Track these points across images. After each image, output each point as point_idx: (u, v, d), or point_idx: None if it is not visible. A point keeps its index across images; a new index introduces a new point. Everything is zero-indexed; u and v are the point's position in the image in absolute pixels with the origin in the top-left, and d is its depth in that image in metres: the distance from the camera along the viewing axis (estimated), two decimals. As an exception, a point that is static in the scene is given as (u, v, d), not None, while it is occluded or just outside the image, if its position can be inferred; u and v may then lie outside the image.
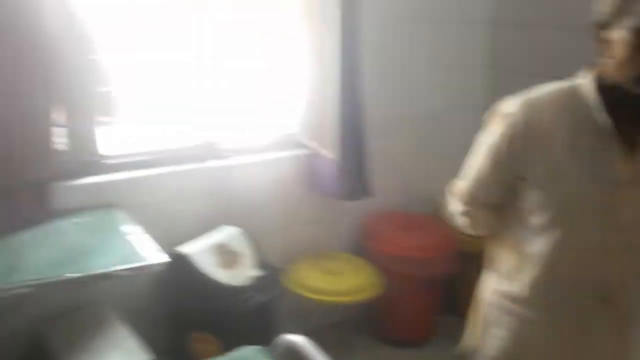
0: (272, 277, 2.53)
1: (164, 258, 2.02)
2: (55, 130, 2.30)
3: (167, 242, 2.35)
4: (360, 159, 2.76)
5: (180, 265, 2.32)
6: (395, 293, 2.78)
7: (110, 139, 2.51)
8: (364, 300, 2.68)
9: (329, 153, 2.69)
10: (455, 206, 1.53)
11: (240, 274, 2.39)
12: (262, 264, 2.54)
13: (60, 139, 2.35)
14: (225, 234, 2.51)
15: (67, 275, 1.87)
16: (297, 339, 1.59)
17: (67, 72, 2.29)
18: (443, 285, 2.96)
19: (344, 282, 2.67)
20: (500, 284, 1.46)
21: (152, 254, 2.03)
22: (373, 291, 2.69)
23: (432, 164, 3.04)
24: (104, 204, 2.38)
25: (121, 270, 1.93)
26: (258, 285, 2.39)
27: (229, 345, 1.99)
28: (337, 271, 2.74)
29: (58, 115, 2.31)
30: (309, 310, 2.72)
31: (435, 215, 2.86)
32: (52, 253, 2.00)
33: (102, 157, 2.48)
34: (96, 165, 2.45)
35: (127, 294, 2.37)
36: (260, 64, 2.80)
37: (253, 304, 2.33)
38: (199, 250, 2.38)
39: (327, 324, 2.80)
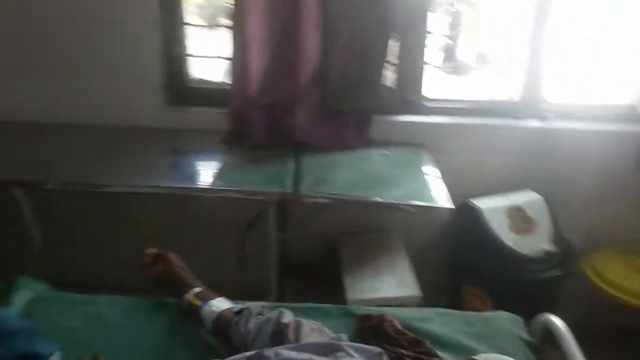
0: (565, 255, 2.32)
1: (450, 205, 2.04)
2: (387, 66, 2.49)
3: (463, 192, 2.39)
4: None
5: (470, 218, 2.32)
6: None
7: (435, 82, 2.58)
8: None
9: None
10: None
11: (531, 243, 2.26)
12: (558, 240, 2.34)
13: (389, 76, 2.53)
14: (525, 198, 2.38)
15: (361, 196, 2.07)
16: (558, 323, 1.45)
17: (405, 13, 2.42)
18: None
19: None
20: None
21: (441, 199, 2.08)
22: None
23: None
24: (414, 142, 2.50)
25: (406, 205, 2.04)
26: (547, 259, 2.23)
27: (498, 307, 1.94)
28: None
29: (391, 53, 2.49)
30: (599, 305, 2.43)
31: None
32: (356, 176, 2.22)
33: (424, 98, 2.58)
34: (416, 105, 2.57)
35: (416, 231, 2.49)
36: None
37: (536, 277, 2.20)
38: (492, 207, 2.33)
39: (615, 325, 2.47)
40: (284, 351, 1.18)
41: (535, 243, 2.27)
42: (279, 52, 2.38)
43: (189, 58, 2.58)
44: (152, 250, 1.60)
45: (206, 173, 2.23)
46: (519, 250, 2.23)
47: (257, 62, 2.38)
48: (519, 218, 2.30)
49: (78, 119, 2.50)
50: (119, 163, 2.23)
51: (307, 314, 1.47)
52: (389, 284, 2.16)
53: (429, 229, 2.52)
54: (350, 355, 1.20)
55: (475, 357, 1.07)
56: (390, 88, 2.57)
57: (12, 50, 2.46)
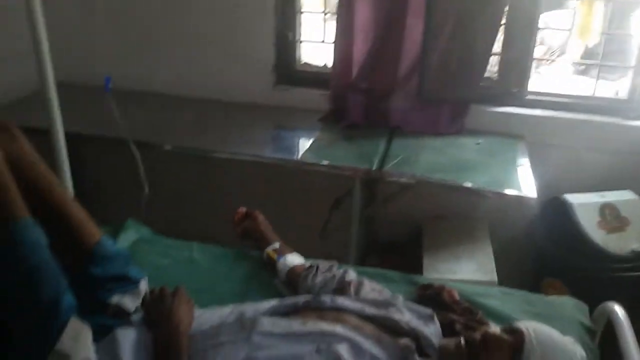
0: None
1: (534, 195, 2.04)
2: (491, 57, 2.48)
3: (558, 187, 2.37)
4: None
5: (560, 211, 2.28)
6: None
7: (540, 76, 2.55)
8: None
9: None
10: None
11: (621, 242, 2.18)
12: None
13: (493, 66, 2.53)
14: (621, 197, 2.29)
15: (443, 179, 2.12)
16: (619, 311, 1.44)
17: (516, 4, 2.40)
18: None
19: None
20: None
21: (526, 189, 2.08)
22: None
23: None
24: (511, 134, 2.49)
25: (487, 191, 2.06)
26: (635, 259, 2.15)
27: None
28: None
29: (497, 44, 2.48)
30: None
31: None
32: (443, 160, 2.28)
33: (525, 91, 2.55)
34: (518, 97, 2.54)
35: (504, 221, 2.48)
36: None
37: (621, 275, 2.12)
38: (584, 202, 2.27)
39: None
40: (339, 298, 1.29)
41: (625, 242, 2.19)
42: (382, 40, 2.48)
43: (299, 42, 2.76)
44: (243, 209, 1.78)
45: (301, 147, 2.38)
46: (607, 248, 2.17)
47: (359, 48, 2.50)
48: (611, 216, 2.23)
49: (195, 93, 2.80)
50: (226, 133, 2.48)
51: (372, 277, 1.56)
52: (467, 268, 2.19)
53: (517, 220, 2.49)
54: (400, 312, 1.29)
55: (517, 324, 1.11)
56: (490, 78, 2.58)
57: (147, 28, 2.80)
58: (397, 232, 2.68)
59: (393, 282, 1.62)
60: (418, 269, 2.23)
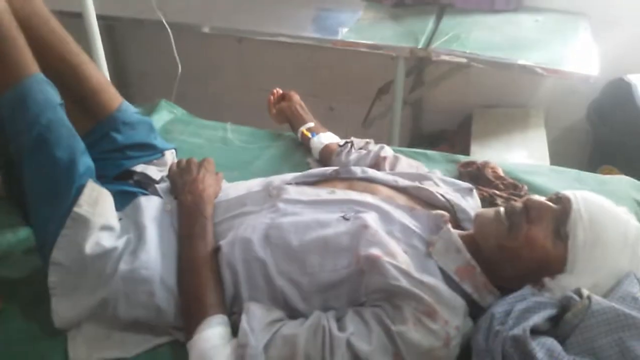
0: None
1: (594, 73, 1.86)
2: None
3: (623, 68, 2.16)
4: None
5: (622, 93, 2.10)
6: None
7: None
8: None
9: None
10: None
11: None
12: None
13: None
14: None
15: (495, 56, 1.95)
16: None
17: None
18: None
19: None
20: None
21: (589, 68, 1.90)
22: None
23: None
24: (572, 10, 2.26)
25: (544, 69, 1.89)
26: None
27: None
28: None
29: None
30: None
31: None
32: (496, 37, 2.09)
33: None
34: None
35: (562, 108, 2.31)
36: None
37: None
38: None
39: None
40: (371, 170, 1.21)
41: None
42: None
43: None
44: (279, 89, 1.69)
45: (343, 27, 2.23)
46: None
47: None
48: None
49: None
50: (264, 13, 2.34)
51: (411, 156, 1.48)
52: (518, 155, 2.06)
53: (575, 105, 2.31)
54: (436, 185, 1.20)
55: (564, 192, 1.01)
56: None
57: None
58: (446, 121, 2.55)
59: (434, 161, 1.53)
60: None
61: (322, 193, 1.12)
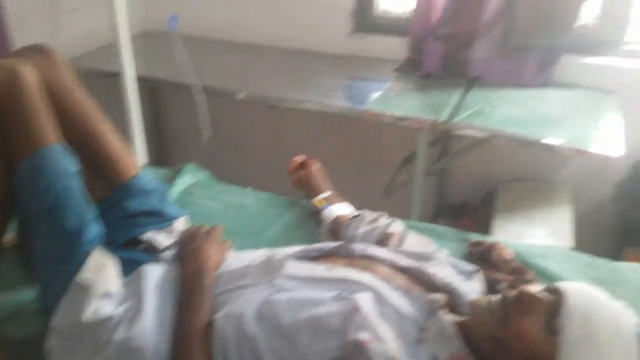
0: None
1: (619, 155, 1.83)
2: (586, 4, 2.24)
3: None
4: None
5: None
6: None
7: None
8: None
9: None
10: None
11: None
12: None
13: (588, 14, 2.28)
14: None
15: (517, 132, 1.95)
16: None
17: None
18: None
19: None
20: None
21: (615, 149, 1.87)
22: None
23: None
24: (602, 87, 2.25)
25: (568, 147, 1.87)
26: None
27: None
28: None
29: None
30: None
31: None
32: (521, 113, 2.09)
33: (622, 40, 2.28)
34: (614, 46, 2.29)
35: (590, 186, 2.27)
36: None
37: None
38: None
39: None
40: (373, 247, 1.22)
41: None
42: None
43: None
44: (299, 157, 1.72)
45: (371, 97, 2.27)
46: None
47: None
48: None
49: (269, 41, 2.75)
50: (296, 82, 2.41)
51: (423, 232, 1.47)
52: (541, 233, 2.02)
53: (601, 184, 2.26)
54: (439, 266, 1.20)
55: (560, 283, 0.99)
56: (586, 26, 2.33)
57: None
58: (470, 193, 2.54)
59: (445, 238, 1.51)
60: (487, 231, 2.09)
61: (320, 269, 1.13)
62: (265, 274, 1.15)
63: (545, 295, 0.96)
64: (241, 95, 2.29)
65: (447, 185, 2.57)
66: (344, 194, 1.62)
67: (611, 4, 2.24)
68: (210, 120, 2.32)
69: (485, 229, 2.14)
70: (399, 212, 1.74)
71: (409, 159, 2.45)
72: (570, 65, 2.30)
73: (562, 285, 0.97)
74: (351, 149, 2.58)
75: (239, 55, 2.71)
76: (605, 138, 1.94)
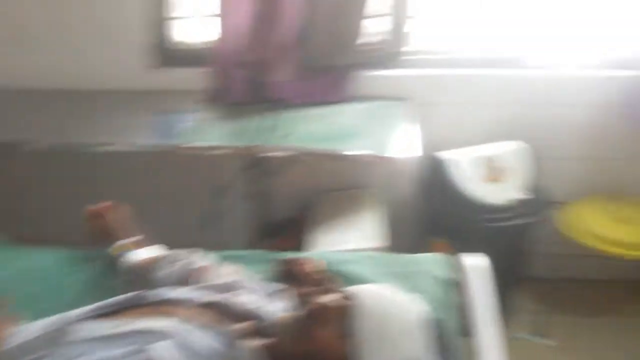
0: (537, 204, 2.24)
1: (415, 155, 1.98)
2: (366, 21, 2.39)
3: (445, 145, 2.32)
4: None
5: (435, 169, 2.28)
6: None
7: (417, 34, 2.48)
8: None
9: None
10: None
11: (500, 192, 2.17)
12: (534, 189, 2.26)
13: (370, 30, 2.44)
14: (501, 148, 2.29)
15: (323, 148, 2.03)
16: (479, 261, 1.40)
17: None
18: None
19: (634, 233, 2.20)
20: None
21: (407, 150, 2.02)
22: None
23: None
24: (394, 96, 2.42)
25: (367, 155, 1.99)
26: (518, 208, 2.14)
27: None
28: (629, 220, 2.29)
29: (371, 7, 2.39)
30: (572, 255, 2.42)
31: None
32: (325, 129, 2.19)
33: (405, 51, 2.49)
34: (397, 58, 2.48)
35: (395, 186, 2.42)
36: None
37: (500, 225, 2.13)
38: (460, 158, 2.25)
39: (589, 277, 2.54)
40: (167, 290, 1.17)
41: (505, 192, 2.19)
42: (262, 9, 2.35)
43: (172, 20, 2.57)
44: (91, 207, 1.60)
45: (179, 131, 2.22)
46: (486, 200, 2.16)
47: (241, 20, 2.36)
48: (492, 168, 2.21)
49: (62, 85, 2.55)
50: (96, 124, 2.28)
51: (237, 260, 1.46)
52: (355, 237, 2.11)
53: (405, 184, 2.42)
54: (244, 293, 1.18)
55: (348, 289, 1.04)
56: (373, 42, 2.50)
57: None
58: (290, 211, 2.57)
59: (252, 261, 1.50)
60: (306, 245, 2.14)
61: (109, 326, 1.06)
62: (57, 341, 1.05)
63: (340, 302, 1.00)
64: (36, 146, 2.10)
65: (268, 207, 2.58)
66: (162, 233, 1.51)
67: (392, 21, 2.43)
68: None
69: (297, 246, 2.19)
70: (223, 241, 1.72)
71: (222, 188, 2.43)
72: (365, 79, 2.45)
73: (353, 289, 1.03)
74: (167, 184, 2.48)
75: (29, 104, 2.47)
76: (402, 142, 2.09)
